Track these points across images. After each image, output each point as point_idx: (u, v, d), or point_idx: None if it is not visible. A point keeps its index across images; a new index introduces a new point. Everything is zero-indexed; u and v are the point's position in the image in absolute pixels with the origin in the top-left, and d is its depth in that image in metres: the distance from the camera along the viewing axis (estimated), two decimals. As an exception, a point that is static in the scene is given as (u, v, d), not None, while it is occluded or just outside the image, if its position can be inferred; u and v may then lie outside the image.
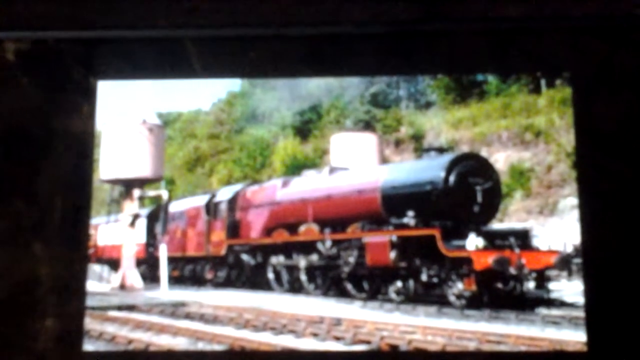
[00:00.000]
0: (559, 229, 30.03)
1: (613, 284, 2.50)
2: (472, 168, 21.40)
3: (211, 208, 32.97)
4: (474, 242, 19.09)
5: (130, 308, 21.56)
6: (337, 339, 14.77)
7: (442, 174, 21.06)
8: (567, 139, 34.67)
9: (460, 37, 2.59)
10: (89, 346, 14.37)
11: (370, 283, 22.45)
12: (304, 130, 57.66)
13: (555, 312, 17.69)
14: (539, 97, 42.32)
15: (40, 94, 2.47)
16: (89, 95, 2.70)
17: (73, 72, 2.58)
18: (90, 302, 20.17)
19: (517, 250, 18.97)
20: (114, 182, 36.62)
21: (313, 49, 2.65)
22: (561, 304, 19.40)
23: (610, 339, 2.53)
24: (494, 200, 21.76)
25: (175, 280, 34.42)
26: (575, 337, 13.28)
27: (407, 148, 48.12)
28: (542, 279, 19.52)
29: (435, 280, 20.00)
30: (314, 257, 25.08)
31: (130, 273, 34.19)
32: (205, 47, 2.59)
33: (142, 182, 35.79)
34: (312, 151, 53.87)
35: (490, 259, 18.36)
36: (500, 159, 38.94)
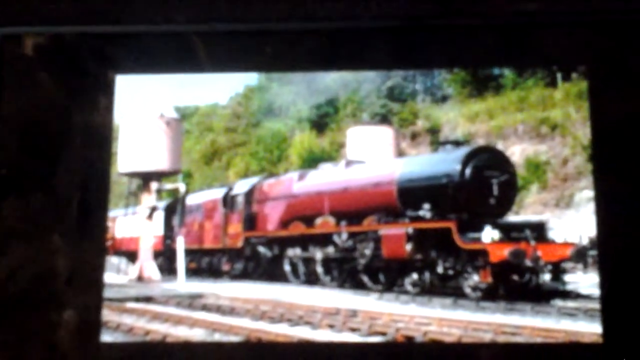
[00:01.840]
0: (574, 222, 29.95)
1: (628, 276, 2.55)
2: (488, 161, 21.42)
3: (228, 201, 33.06)
4: (489, 234, 19.13)
5: (148, 299, 21.66)
6: (353, 330, 14.86)
7: (458, 167, 21.09)
8: (584, 132, 34.55)
9: (476, 32, 2.64)
10: (106, 337, 14.47)
11: (386, 275, 22.49)
12: (320, 123, 57.64)
13: (570, 304, 17.68)
14: (555, 90, 42.18)
15: (58, 88, 2.54)
16: (107, 89, 2.77)
17: (91, 67, 2.65)
18: (108, 293, 20.30)
19: (532, 243, 19.00)
20: (132, 175, 36.77)
21: (329, 43, 2.72)
22: (577, 296, 19.36)
23: (625, 330, 2.58)
24: (509, 193, 21.77)
25: (193, 272, 34.52)
26: (591, 329, 13.28)
27: (424, 141, 48.03)
28: (557, 271, 19.53)
29: (451, 272, 20.04)
30: (330, 250, 25.13)
31: (148, 265, 34.33)
32: (221, 42, 2.66)
33: (159, 175, 35.91)
34: (328, 144, 53.87)
35: (506, 251, 18.39)
36: (517, 152, 38.83)
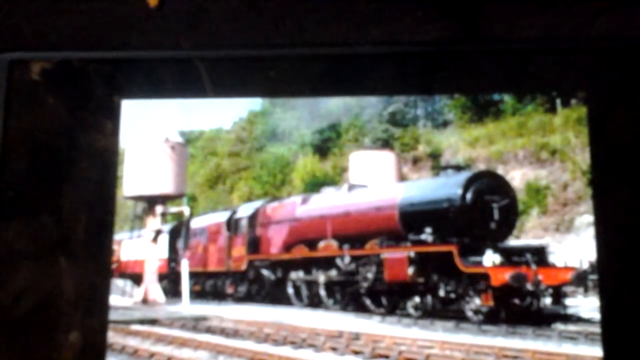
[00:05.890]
0: (575, 246, 30.01)
1: (629, 300, 2.63)
2: (488, 186, 21.47)
3: (232, 224, 33.15)
4: (491, 258, 19.16)
5: (152, 322, 21.71)
6: (356, 353, 14.83)
7: (459, 192, 21.15)
8: (583, 157, 34.66)
9: (478, 57, 2.75)
10: (112, 359, 14.53)
11: (389, 298, 22.57)
12: (323, 148, 57.90)
13: (571, 327, 17.72)
14: (554, 116, 42.41)
15: (65, 113, 2.65)
16: (113, 114, 2.88)
17: (97, 91, 2.76)
18: (113, 316, 20.28)
19: (533, 267, 19.00)
20: (137, 198, 36.97)
21: (332, 68, 2.84)
22: (578, 319, 19.41)
23: (626, 354, 2.67)
24: (510, 217, 21.80)
25: (197, 295, 34.62)
26: (592, 353, 13.27)
27: (425, 166, 48.22)
28: (558, 295, 19.55)
29: (452, 295, 20.09)
30: (333, 273, 25.21)
31: (153, 287, 34.43)
32: (225, 67, 2.79)
33: (164, 199, 36.10)
34: (331, 169, 54.09)
35: (507, 275, 18.41)
36: (517, 177, 38.93)
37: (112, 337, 17.06)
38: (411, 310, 21.36)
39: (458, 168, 23.71)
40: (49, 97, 2.61)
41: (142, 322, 21.60)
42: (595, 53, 2.70)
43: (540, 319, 18.72)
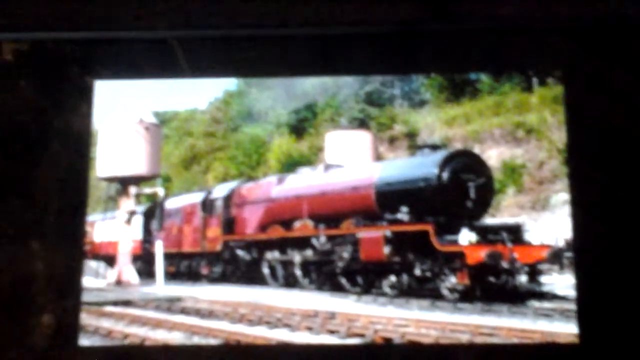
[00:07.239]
0: (550, 224, 30.16)
1: (604, 277, 2.62)
2: (465, 165, 21.54)
3: (207, 205, 33.08)
4: (466, 237, 19.21)
5: (126, 303, 21.63)
6: (332, 332, 14.86)
7: (436, 171, 21.18)
8: (559, 136, 34.79)
9: (454, 37, 2.72)
10: (84, 341, 14.47)
11: (364, 278, 22.58)
12: (299, 128, 57.78)
13: (547, 305, 17.82)
14: (531, 95, 42.51)
15: (38, 94, 2.59)
16: (86, 95, 2.83)
17: (70, 72, 2.71)
18: (86, 297, 20.11)
19: (509, 245, 19.08)
20: (111, 179, 36.75)
21: (309, 49, 2.80)
22: (553, 297, 19.52)
23: (601, 331, 2.66)
24: (486, 196, 21.91)
25: (171, 276, 34.54)
26: (567, 329, 13.34)
27: (401, 145, 48.21)
28: (534, 272, 19.64)
29: (428, 274, 20.12)
30: (309, 253, 25.23)
31: (126, 269, 34.33)
32: (201, 48, 2.74)
33: (138, 180, 35.94)
34: (307, 149, 53.98)
35: (482, 253, 18.48)
36: (493, 156, 39.03)
37: (86, 318, 17.00)
38: (387, 289, 21.38)
39: (434, 147, 23.69)
40: (21, 79, 2.56)
41: (115, 303, 21.52)
42: (570, 33, 2.69)
43: (515, 297, 18.79)
